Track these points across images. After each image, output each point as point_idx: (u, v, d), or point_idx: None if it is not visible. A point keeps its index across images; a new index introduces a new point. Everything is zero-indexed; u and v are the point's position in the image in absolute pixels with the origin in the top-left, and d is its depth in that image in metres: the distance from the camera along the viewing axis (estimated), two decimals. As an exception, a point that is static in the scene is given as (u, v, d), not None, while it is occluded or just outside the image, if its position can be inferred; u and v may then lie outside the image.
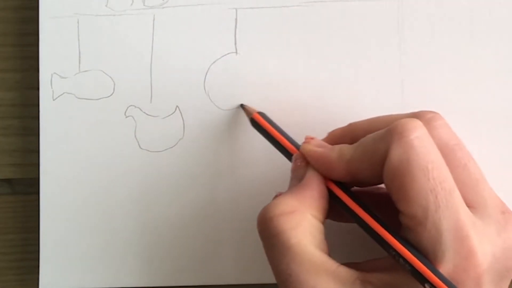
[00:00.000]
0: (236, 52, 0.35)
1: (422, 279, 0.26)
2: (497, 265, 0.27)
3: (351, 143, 0.29)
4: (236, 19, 0.35)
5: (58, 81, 0.36)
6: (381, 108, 0.34)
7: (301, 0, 0.35)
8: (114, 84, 0.36)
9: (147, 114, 0.35)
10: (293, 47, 0.35)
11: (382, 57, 0.35)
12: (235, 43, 0.35)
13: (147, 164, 0.35)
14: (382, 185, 0.28)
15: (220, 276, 0.35)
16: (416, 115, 0.29)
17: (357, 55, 0.35)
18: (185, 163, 0.35)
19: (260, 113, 0.33)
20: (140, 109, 0.35)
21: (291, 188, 0.30)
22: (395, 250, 0.27)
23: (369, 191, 0.31)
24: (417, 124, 0.27)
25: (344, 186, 0.29)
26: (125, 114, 0.36)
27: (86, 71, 0.36)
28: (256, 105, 0.35)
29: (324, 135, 0.32)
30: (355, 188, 0.30)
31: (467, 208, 0.27)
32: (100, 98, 0.36)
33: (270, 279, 0.35)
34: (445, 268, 0.26)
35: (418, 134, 0.26)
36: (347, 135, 0.31)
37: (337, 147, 0.29)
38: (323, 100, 0.35)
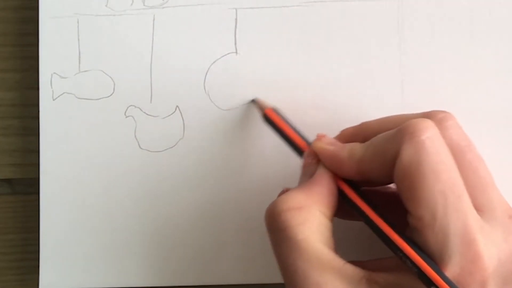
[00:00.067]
0: (236, 52, 0.35)
1: (428, 281, 0.26)
2: (502, 269, 0.27)
3: (362, 142, 0.29)
4: (236, 19, 0.35)
5: (58, 81, 0.36)
6: (381, 108, 0.34)
7: (301, 0, 0.35)
8: (114, 84, 0.36)
9: (147, 114, 0.35)
10: (293, 47, 0.35)
11: (382, 57, 0.35)
12: (235, 43, 0.35)
13: (147, 164, 0.35)
14: (391, 185, 0.28)
15: (223, 276, 0.35)
16: (427, 115, 0.29)
17: (357, 55, 0.35)
18: (185, 163, 0.35)
19: (273, 109, 0.33)
20: (140, 109, 0.35)
21: (301, 184, 0.30)
22: (402, 252, 0.27)
23: (377, 190, 0.31)
24: (429, 124, 0.27)
25: (354, 184, 0.29)
26: (125, 114, 0.36)
27: (86, 71, 0.36)
28: (253, 106, 0.35)
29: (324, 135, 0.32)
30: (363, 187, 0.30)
31: (475, 211, 0.27)
32: (100, 98, 0.36)
33: (274, 279, 0.35)
34: (451, 271, 0.26)
35: (429, 135, 0.26)
36: (359, 134, 0.31)
37: (348, 145, 0.29)
38: (323, 100, 0.35)
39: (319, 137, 0.31)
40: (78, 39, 0.36)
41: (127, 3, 0.35)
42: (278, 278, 0.35)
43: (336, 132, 0.32)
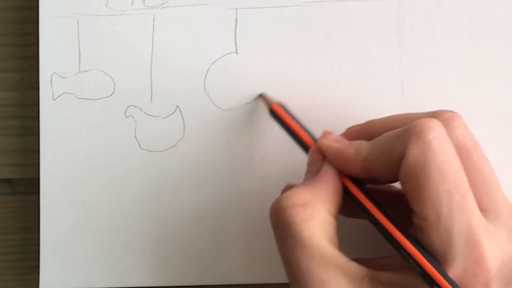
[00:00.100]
0: (236, 52, 0.35)
1: (431, 281, 0.26)
2: (505, 270, 0.27)
3: (368, 140, 0.29)
4: (236, 19, 0.35)
5: (58, 81, 0.36)
6: (381, 108, 0.34)
7: (301, 0, 0.35)
8: (114, 84, 0.36)
9: (147, 114, 0.35)
10: (293, 47, 0.35)
11: (382, 57, 0.35)
12: (235, 43, 0.35)
13: (147, 164, 0.35)
14: (395, 184, 0.28)
15: (223, 276, 0.35)
16: (434, 114, 0.29)
17: (357, 55, 0.35)
18: (185, 163, 0.35)
19: (280, 104, 0.33)
20: (140, 109, 0.35)
21: (306, 180, 0.30)
22: (405, 251, 0.27)
23: (381, 189, 0.31)
24: (436, 124, 0.27)
25: (359, 182, 0.29)
26: (125, 114, 0.36)
27: (86, 71, 0.36)
28: (256, 105, 0.35)
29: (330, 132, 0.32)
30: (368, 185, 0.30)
31: (479, 212, 0.27)
32: (100, 98, 0.36)
33: (275, 279, 0.35)
34: (455, 272, 0.26)
35: (436, 135, 0.26)
36: (365, 132, 0.31)
37: (355, 143, 0.29)
38: (323, 100, 0.35)
39: (325, 134, 0.31)
40: (78, 39, 0.36)
41: (127, 3, 0.36)
42: (279, 278, 0.35)
43: (337, 132, 0.32)
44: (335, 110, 0.35)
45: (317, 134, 0.31)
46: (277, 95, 0.35)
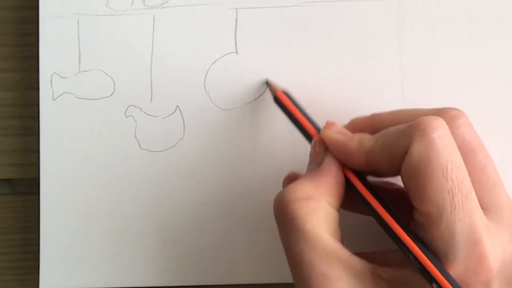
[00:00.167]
0: (236, 52, 0.35)
1: (430, 278, 0.26)
2: (506, 269, 0.27)
3: (371, 133, 0.29)
4: (236, 19, 0.35)
5: (58, 81, 0.36)
6: (381, 108, 0.34)
7: (301, 0, 0.35)
8: (114, 84, 0.36)
9: (147, 114, 0.35)
10: (293, 47, 0.35)
11: (382, 57, 0.35)
12: (235, 43, 0.35)
13: (147, 164, 0.35)
14: (397, 180, 0.28)
15: (224, 276, 0.35)
16: (440, 111, 0.29)
17: (357, 55, 0.35)
18: (185, 163, 0.35)
19: (285, 92, 0.33)
20: (140, 109, 0.35)
21: (309, 173, 0.30)
22: (405, 246, 0.27)
23: (383, 187, 0.31)
24: (440, 122, 0.27)
25: (361, 175, 0.29)
26: (125, 114, 0.36)
27: (86, 71, 0.36)
28: (256, 105, 0.35)
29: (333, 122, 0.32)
30: (371, 179, 0.30)
31: (481, 211, 0.27)
32: (100, 98, 0.36)
33: (278, 279, 0.35)
34: (456, 270, 0.26)
35: (440, 133, 0.26)
36: (369, 125, 0.31)
37: (358, 136, 0.29)
38: (323, 100, 0.35)
39: (328, 125, 0.31)
40: (78, 39, 0.36)
41: (127, 3, 0.35)
42: (279, 278, 0.35)
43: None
44: (335, 110, 0.35)
45: (326, 121, 0.31)
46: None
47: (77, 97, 0.36)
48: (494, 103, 0.35)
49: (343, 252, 0.27)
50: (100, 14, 0.35)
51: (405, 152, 0.27)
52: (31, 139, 0.36)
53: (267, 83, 0.35)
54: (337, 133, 0.30)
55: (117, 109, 0.35)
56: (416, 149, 0.26)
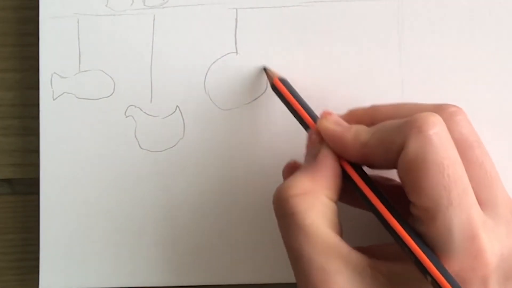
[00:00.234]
0: (236, 52, 0.35)
1: (424, 270, 0.26)
2: (504, 265, 0.27)
3: (369, 125, 0.29)
4: (236, 19, 0.35)
5: (58, 81, 0.36)
6: (381, 108, 0.34)
7: (301, 0, 0.35)
8: (114, 84, 0.36)
9: (147, 114, 0.35)
10: (293, 47, 0.35)
11: (382, 57, 0.35)
12: (235, 43, 0.35)
13: (147, 164, 0.35)
14: (391, 174, 0.28)
15: (224, 276, 0.35)
16: (439, 107, 0.29)
17: (357, 55, 0.35)
18: (185, 163, 0.35)
19: (282, 79, 0.33)
20: (140, 109, 0.35)
21: (306, 166, 0.30)
22: (399, 237, 0.27)
23: (381, 182, 0.31)
24: (437, 119, 0.27)
25: (358, 166, 0.29)
26: (125, 114, 0.36)
27: (86, 71, 0.36)
28: (256, 105, 0.35)
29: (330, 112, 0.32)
30: (371, 175, 0.30)
31: (479, 207, 0.27)
32: (100, 98, 0.36)
33: (278, 279, 0.35)
34: (452, 264, 0.26)
35: (437, 130, 0.26)
36: (367, 117, 0.31)
37: (354, 128, 0.29)
38: (323, 100, 0.35)
39: (325, 115, 0.31)
40: (78, 39, 0.36)
41: (127, 3, 0.36)
42: (279, 278, 0.35)
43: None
44: (336, 110, 0.35)
45: (323, 111, 0.31)
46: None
47: (77, 97, 0.36)
48: (494, 102, 0.35)
49: (342, 247, 0.28)
50: (100, 14, 0.35)
51: (401, 148, 0.27)
52: (31, 139, 0.36)
53: (265, 70, 0.35)
54: (334, 124, 0.30)
55: (117, 109, 0.35)
56: (412, 145, 0.26)
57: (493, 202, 0.28)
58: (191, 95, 0.35)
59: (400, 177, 0.27)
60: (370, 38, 0.35)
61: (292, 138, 0.34)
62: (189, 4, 0.35)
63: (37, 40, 0.35)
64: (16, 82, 0.37)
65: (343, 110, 0.35)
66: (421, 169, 0.26)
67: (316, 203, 0.28)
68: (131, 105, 0.35)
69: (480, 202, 0.27)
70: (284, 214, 0.28)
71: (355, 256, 0.27)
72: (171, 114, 0.35)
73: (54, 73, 0.36)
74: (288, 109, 0.32)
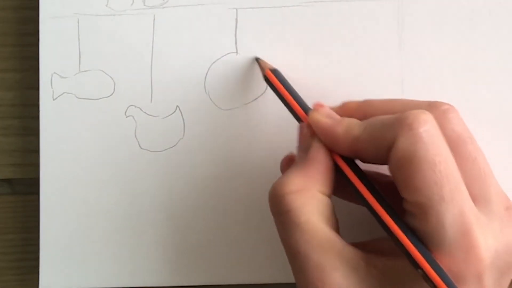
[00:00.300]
0: (236, 52, 0.35)
1: (414, 263, 0.26)
2: (499, 261, 0.27)
3: (361, 119, 0.29)
4: (236, 19, 0.35)
5: (58, 81, 0.36)
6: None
7: (301, 0, 0.35)
8: (114, 84, 0.36)
9: (147, 114, 0.35)
10: (293, 47, 0.35)
11: (382, 57, 0.35)
12: (235, 43, 0.35)
13: (147, 164, 0.35)
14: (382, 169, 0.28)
15: (224, 276, 0.35)
16: (432, 104, 0.29)
17: (357, 55, 0.35)
18: (186, 163, 0.35)
19: (274, 70, 0.33)
20: (140, 109, 0.35)
21: (298, 162, 0.30)
22: (390, 230, 0.27)
23: (377, 178, 0.31)
24: (428, 117, 0.27)
25: (350, 159, 0.29)
26: (125, 114, 0.36)
27: (86, 71, 0.36)
28: (256, 105, 0.35)
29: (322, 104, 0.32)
30: (367, 170, 0.30)
31: (472, 202, 0.27)
32: (100, 98, 0.36)
33: (277, 279, 0.35)
34: (446, 260, 0.26)
35: (427, 128, 0.26)
36: (360, 110, 0.31)
37: (345, 121, 0.29)
38: (323, 100, 0.35)
39: (317, 107, 0.31)
40: (78, 39, 0.36)
41: (127, 3, 0.36)
42: (279, 278, 0.35)
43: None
44: (335, 110, 0.35)
45: (315, 103, 0.31)
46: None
47: (77, 97, 0.36)
48: (494, 102, 0.35)
49: (338, 242, 0.28)
50: (100, 14, 0.35)
51: (392, 145, 0.27)
52: (31, 139, 0.36)
53: (257, 60, 0.35)
54: (325, 116, 0.30)
55: (117, 109, 0.35)
56: (403, 143, 0.26)
57: (486, 198, 0.28)
58: (191, 95, 0.35)
59: (391, 173, 0.27)
60: (370, 38, 0.35)
61: (292, 138, 0.34)
62: (189, 4, 0.35)
63: (37, 40, 0.35)
64: (16, 82, 0.37)
65: (343, 110, 0.35)
66: (411, 166, 0.26)
67: (310, 200, 0.28)
68: (131, 105, 0.35)
69: (474, 198, 0.27)
70: (280, 211, 0.28)
71: (350, 251, 0.28)
72: (171, 114, 0.35)
73: (54, 73, 0.36)
74: (281, 100, 0.32)
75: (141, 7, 0.35)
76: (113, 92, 0.35)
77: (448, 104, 0.29)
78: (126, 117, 0.35)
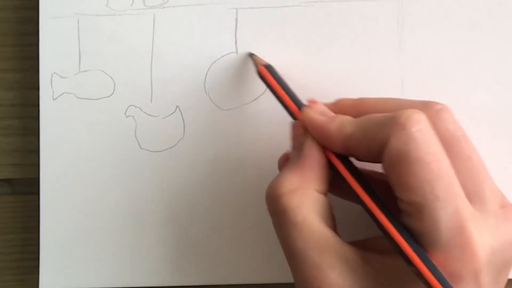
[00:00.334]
0: (236, 52, 0.35)
1: (407, 259, 0.26)
2: (495, 258, 0.27)
3: (355, 116, 0.29)
4: (236, 19, 0.35)
5: (58, 81, 0.36)
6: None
7: (301, 0, 0.35)
8: (114, 84, 0.36)
9: (147, 114, 0.35)
10: (293, 47, 0.35)
11: (382, 57, 0.35)
12: (235, 43, 0.35)
13: (147, 164, 0.35)
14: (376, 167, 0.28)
15: (224, 276, 0.35)
16: (426, 104, 0.29)
17: (357, 55, 0.35)
18: (186, 163, 0.35)
19: (267, 66, 0.33)
20: (140, 109, 0.35)
21: (293, 161, 0.30)
22: (383, 227, 0.27)
23: (374, 177, 0.31)
24: (421, 117, 0.27)
25: (344, 157, 0.29)
26: (125, 114, 0.36)
27: (86, 71, 0.36)
28: (256, 105, 0.35)
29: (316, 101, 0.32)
30: (364, 169, 0.30)
31: (466, 200, 0.27)
32: (100, 98, 0.36)
33: (277, 279, 0.35)
34: (440, 257, 0.26)
35: (420, 127, 0.26)
36: (354, 108, 0.31)
37: (339, 119, 0.29)
38: (323, 100, 0.35)
39: (310, 103, 0.31)
40: (78, 39, 0.36)
41: (127, 3, 0.36)
42: (279, 278, 0.35)
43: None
44: (335, 110, 0.35)
45: (308, 99, 0.31)
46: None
47: (77, 97, 0.36)
48: (494, 102, 0.35)
49: (335, 241, 0.28)
50: (100, 14, 0.35)
51: (384, 144, 0.27)
52: (31, 139, 0.36)
53: (251, 56, 0.35)
54: (319, 113, 0.30)
55: (117, 109, 0.35)
56: (395, 142, 0.26)
57: (481, 196, 0.28)
58: (191, 95, 0.35)
59: (385, 173, 0.27)
60: (370, 38, 0.35)
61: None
62: (189, 4, 0.35)
63: (37, 40, 0.35)
64: (16, 82, 0.37)
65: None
66: (404, 165, 0.26)
67: (306, 199, 0.28)
68: (131, 105, 0.35)
69: (468, 196, 0.27)
70: (276, 212, 0.29)
71: (348, 249, 0.28)
72: (171, 114, 0.35)
73: (54, 73, 0.36)
74: (275, 97, 0.32)
75: (141, 7, 0.35)
76: (113, 92, 0.35)
77: (442, 104, 0.29)
78: (126, 117, 0.35)
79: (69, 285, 0.35)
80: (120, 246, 0.35)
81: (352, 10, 0.35)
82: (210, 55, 0.35)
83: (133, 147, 0.35)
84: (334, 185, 0.30)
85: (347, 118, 0.29)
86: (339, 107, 0.31)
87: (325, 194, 0.29)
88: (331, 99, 0.32)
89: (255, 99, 0.35)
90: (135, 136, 0.35)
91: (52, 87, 0.36)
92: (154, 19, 0.35)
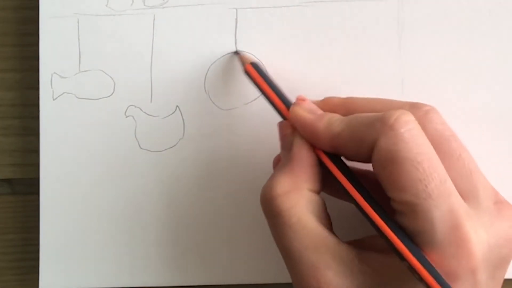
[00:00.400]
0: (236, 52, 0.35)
1: (399, 255, 0.26)
2: (491, 255, 0.27)
3: (343, 115, 0.29)
4: (236, 19, 0.35)
5: (58, 81, 0.36)
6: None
7: (301, 0, 0.35)
8: (114, 84, 0.36)
9: (147, 114, 0.35)
10: (293, 47, 0.35)
11: (382, 57, 0.35)
12: (235, 43, 0.35)
13: (147, 164, 0.35)
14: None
15: (223, 276, 0.35)
16: (414, 105, 0.29)
17: (357, 55, 0.35)
18: (185, 163, 0.35)
19: (254, 64, 0.33)
20: (140, 109, 0.35)
21: (283, 162, 0.30)
22: (375, 224, 0.27)
23: (365, 175, 0.31)
24: (409, 118, 0.27)
25: (334, 155, 0.29)
26: (125, 114, 0.36)
27: (86, 71, 0.36)
28: (256, 105, 0.35)
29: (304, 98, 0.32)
30: (358, 169, 0.30)
31: (460, 197, 0.27)
32: (100, 98, 0.36)
33: (277, 278, 0.35)
34: (438, 256, 0.26)
35: (409, 128, 0.26)
36: (343, 106, 0.31)
37: (327, 117, 0.29)
38: (323, 100, 0.35)
39: (299, 101, 0.30)
40: (78, 39, 0.36)
41: (127, 3, 0.36)
42: (279, 278, 0.35)
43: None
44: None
45: (297, 97, 0.31)
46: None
47: (77, 97, 0.36)
48: (494, 103, 0.35)
49: (331, 240, 0.28)
50: (100, 14, 0.36)
51: (373, 144, 0.27)
52: (31, 139, 0.36)
53: (237, 53, 0.34)
54: (307, 111, 0.30)
55: (117, 109, 0.35)
56: (384, 143, 0.26)
57: (474, 193, 0.28)
58: (191, 95, 0.35)
59: (376, 172, 0.27)
60: (370, 38, 0.35)
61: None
62: (189, 4, 0.35)
63: (37, 40, 0.35)
64: (16, 82, 0.37)
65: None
66: (395, 166, 0.26)
67: (300, 200, 0.28)
68: (131, 105, 0.35)
69: (462, 194, 0.27)
70: (271, 214, 0.29)
71: (344, 249, 0.28)
72: (171, 114, 0.35)
73: (54, 73, 0.36)
74: (263, 95, 0.32)
75: (141, 7, 0.36)
76: (113, 92, 0.35)
77: (430, 106, 0.29)
78: (126, 117, 0.35)
79: (69, 285, 0.36)
80: (120, 246, 0.35)
81: (352, 10, 0.35)
82: (210, 55, 0.35)
83: (133, 147, 0.35)
84: (327, 183, 0.30)
85: (336, 116, 0.29)
86: (327, 105, 0.31)
87: (318, 193, 0.29)
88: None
89: (255, 99, 0.35)
90: (135, 136, 0.35)
91: (52, 87, 0.36)
92: (154, 19, 0.35)
